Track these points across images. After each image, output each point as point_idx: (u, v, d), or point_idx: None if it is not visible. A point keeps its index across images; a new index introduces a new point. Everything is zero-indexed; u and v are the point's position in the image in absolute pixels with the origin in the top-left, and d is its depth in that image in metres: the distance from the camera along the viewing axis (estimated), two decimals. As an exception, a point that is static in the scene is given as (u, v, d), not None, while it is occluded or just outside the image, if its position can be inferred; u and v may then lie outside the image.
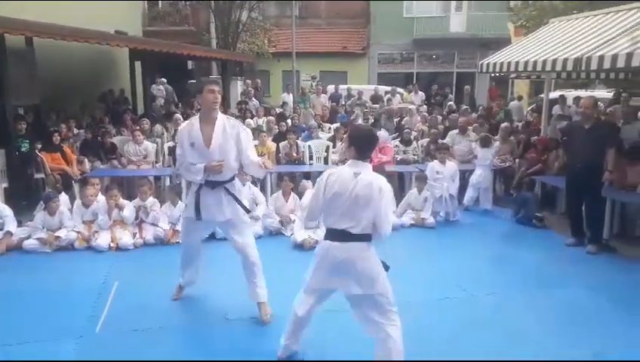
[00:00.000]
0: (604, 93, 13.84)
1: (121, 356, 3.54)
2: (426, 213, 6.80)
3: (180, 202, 6.28)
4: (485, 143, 7.79)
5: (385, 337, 3.11)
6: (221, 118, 3.92)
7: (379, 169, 7.12)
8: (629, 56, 5.43)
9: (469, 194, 7.63)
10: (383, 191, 3.02)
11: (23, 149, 7.10)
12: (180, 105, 13.21)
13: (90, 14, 11.16)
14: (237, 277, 4.70)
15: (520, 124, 10.65)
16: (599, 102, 7.32)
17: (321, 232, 5.81)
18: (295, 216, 6.27)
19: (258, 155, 4.14)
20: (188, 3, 21.67)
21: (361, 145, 3.13)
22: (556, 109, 11.78)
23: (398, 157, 8.70)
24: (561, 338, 3.87)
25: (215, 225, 4.28)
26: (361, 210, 3.01)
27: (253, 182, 6.67)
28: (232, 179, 4.03)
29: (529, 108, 15.03)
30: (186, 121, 4.16)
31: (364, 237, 3.06)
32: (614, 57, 5.67)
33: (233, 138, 3.88)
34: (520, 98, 15.28)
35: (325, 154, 8.79)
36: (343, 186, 3.03)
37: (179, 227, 6.03)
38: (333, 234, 3.11)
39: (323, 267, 3.17)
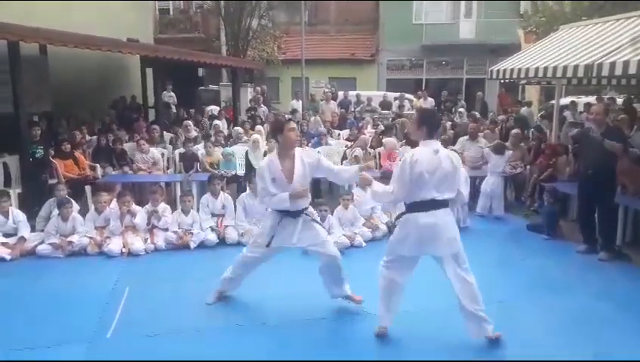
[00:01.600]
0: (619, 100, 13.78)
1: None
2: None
3: (191, 210, 6.31)
4: (499, 150, 7.77)
5: (470, 288, 3.69)
6: (298, 151, 4.17)
7: (387, 175, 7.13)
8: (641, 62, 5.40)
9: (481, 201, 7.60)
10: (458, 160, 3.65)
11: (38, 155, 7.19)
12: (191, 111, 13.29)
13: (102, 22, 11.31)
14: (248, 283, 4.74)
15: (531, 131, 10.59)
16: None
17: (331, 238, 5.86)
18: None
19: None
20: (199, 11, 21.88)
21: (431, 124, 3.62)
22: (567, 115, 11.73)
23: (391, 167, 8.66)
24: (571, 345, 3.84)
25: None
26: (445, 180, 3.54)
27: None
28: (308, 206, 4.25)
29: (539, 115, 14.96)
30: (266, 158, 4.42)
31: (447, 203, 3.61)
32: (625, 64, 5.64)
33: (313, 165, 4.13)
34: (530, 104, 15.23)
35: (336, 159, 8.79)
36: (432, 163, 3.49)
37: (194, 228, 6.19)
38: (422, 205, 3.54)
39: (413, 236, 3.61)
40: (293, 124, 4.19)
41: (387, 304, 3.88)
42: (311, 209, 4.36)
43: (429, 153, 3.53)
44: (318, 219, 4.50)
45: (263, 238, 4.23)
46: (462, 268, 3.71)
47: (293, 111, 13.93)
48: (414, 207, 3.60)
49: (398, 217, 3.81)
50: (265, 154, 7.93)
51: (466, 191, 3.75)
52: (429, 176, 3.49)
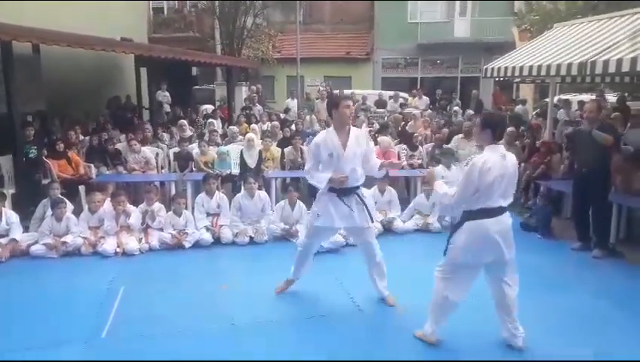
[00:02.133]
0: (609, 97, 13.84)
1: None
2: (432, 217, 6.79)
3: (184, 211, 6.29)
4: None
5: (512, 297, 3.64)
6: (353, 130, 4.24)
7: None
8: (634, 60, 5.43)
9: None
10: (515, 163, 3.53)
11: (31, 155, 7.15)
12: (187, 111, 13.27)
13: (95, 21, 11.26)
14: (243, 282, 4.74)
15: (524, 128, 10.64)
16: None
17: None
18: (300, 226, 6.26)
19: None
20: (193, 10, 21.83)
21: (496, 128, 3.50)
22: (561, 113, 11.76)
23: (404, 162, 8.67)
24: (565, 343, 3.85)
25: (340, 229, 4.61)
26: (511, 187, 3.49)
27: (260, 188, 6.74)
28: (359, 186, 4.28)
29: (534, 113, 15.01)
30: (321, 133, 4.44)
31: (507, 208, 3.51)
32: (619, 62, 5.67)
33: (364, 148, 4.21)
34: (524, 102, 15.27)
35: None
36: (501, 169, 3.39)
37: (189, 228, 6.19)
38: (490, 212, 3.43)
39: (478, 244, 3.47)
40: (349, 101, 4.22)
41: (437, 320, 3.76)
42: (364, 190, 4.37)
43: (499, 159, 3.40)
44: (368, 202, 4.44)
45: (324, 217, 4.28)
46: (508, 277, 3.63)
47: (287, 110, 13.91)
48: (482, 213, 3.44)
49: (457, 225, 3.59)
50: (260, 153, 7.94)
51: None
52: (498, 184, 3.39)
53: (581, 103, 10.75)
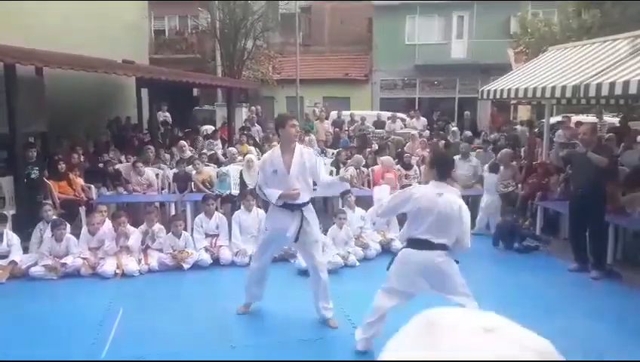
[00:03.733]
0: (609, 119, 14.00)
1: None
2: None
3: (183, 233, 6.33)
4: (493, 169, 7.89)
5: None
6: (299, 147, 4.36)
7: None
8: (626, 84, 5.53)
9: (480, 218, 7.66)
10: (462, 209, 3.53)
11: (33, 176, 7.20)
12: (187, 131, 13.36)
13: (98, 43, 11.41)
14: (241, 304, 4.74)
15: (523, 149, 10.72)
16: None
17: (325, 257, 5.89)
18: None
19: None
20: (194, 32, 22.12)
21: (443, 167, 3.65)
22: (559, 134, 11.85)
23: (400, 184, 8.73)
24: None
25: (286, 244, 4.74)
26: (443, 226, 3.49)
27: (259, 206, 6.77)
28: (308, 203, 4.38)
29: (535, 132, 15.09)
30: (269, 151, 4.65)
31: (443, 247, 3.55)
32: (612, 85, 5.77)
33: (311, 165, 4.30)
34: (522, 123, 15.39)
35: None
36: (429, 203, 3.49)
37: (188, 249, 6.18)
38: (416, 243, 3.57)
39: (405, 271, 3.62)
40: (294, 121, 4.39)
41: (369, 328, 3.88)
42: (310, 208, 4.43)
43: (433, 195, 3.54)
44: (317, 222, 4.56)
45: (271, 228, 4.43)
46: (458, 298, 3.61)
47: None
48: (410, 242, 3.65)
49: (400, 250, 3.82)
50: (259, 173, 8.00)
51: (466, 238, 3.64)
52: (425, 217, 3.51)
53: (578, 124, 10.86)
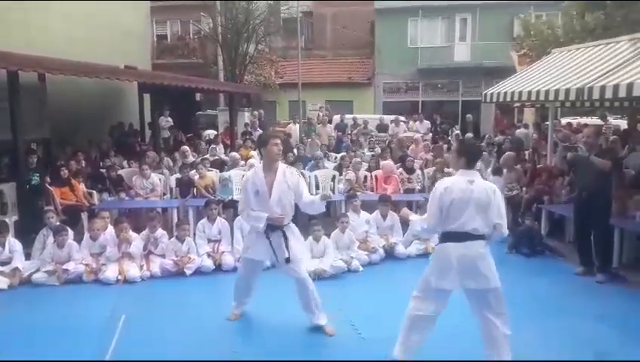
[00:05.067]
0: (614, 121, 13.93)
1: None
2: (433, 242, 6.77)
3: (187, 238, 6.31)
4: (497, 172, 7.83)
5: (497, 336, 3.48)
6: (281, 167, 4.30)
7: (384, 199, 7.15)
8: (630, 86, 5.49)
9: None
10: (496, 193, 3.47)
11: (34, 182, 7.20)
12: (189, 136, 13.38)
13: (99, 48, 11.45)
14: (246, 311, 4.72)
15: (527, 152, 10.68)
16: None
17: (327, 261, 5.86)
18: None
19: None
20: (196, 37, 22.19)
21: (470, 156, 3.57)
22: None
23: (402, 187, 8.69)
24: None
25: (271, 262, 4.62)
26: (481, 214, 3.40)
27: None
28: (289, 223, 4.34)
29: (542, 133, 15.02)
30: (251, 170, 4.59)
31: (482, 237, 3.45)
32: (616, 87, 5.73)
33: (292, 185, 4.24)
34: (527, 126, 15.33)
35: (332, 183, 8.83)
36: (463, 193, 3.41)
37: (191, 254, 6.17)
38: (453, 236, 3.45)
39: (442, 267, 3.51)
40: (277, 140, 4.33)
41: (406, 337, 3.70)
42: (292, 226, 4.40)
43: (464, 183, 3.46)
44: (301, 238, 4.58)
45: (251, 250, 4.41)
46: (493, 312, 3.53)
47: (288, 135, 14.02)
48: (447, 237, 3.52)
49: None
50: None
51: (504, 223, 3.54)
52: (460, 207, 3.41)
53: (584, 126, 10.82)
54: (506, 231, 3.54)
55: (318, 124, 15.11)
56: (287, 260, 4.24)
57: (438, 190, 3.51)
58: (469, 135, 12.53)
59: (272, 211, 4.20)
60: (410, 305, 3.69)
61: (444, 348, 3.95)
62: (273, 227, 4.24)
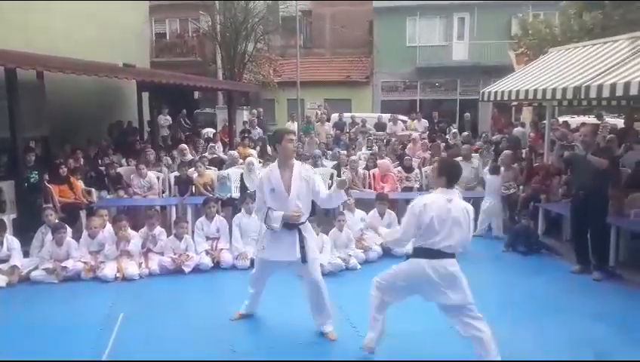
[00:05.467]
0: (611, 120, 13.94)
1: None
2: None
3: (185, 236, 6.32)
4: (494, 171, 7.86)
5: (482, 336, 3.58)
6: (297, 164, 4.22)
7: (382, 197, 7.17)
8: (627, 85, 5.51)
9: (481, 220, 7.64)
10: (469, 213, 3.59)
11: (32, 180, 7.21)
12: (188, 134, 13.39)
13: (98, 46, 11.45)
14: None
15: (524, 151, 10.70)
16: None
17: (325, 257, 5.89)
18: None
19: None
20: (195, 35, 22.17)
21: (452, 175, 3.67)
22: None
23: (401, 186, 8.71)
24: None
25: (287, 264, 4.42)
26: (456, 232, 3.50)
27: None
28: (305, 221, 4.25)
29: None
30: (266, 168, 4.51)
31: (454, 255, 3.57)
32: (613, 86, 5.75)
33: (309, 182, 4.16)
34: (523, 125, 15.36)
35: (330, 182, 8.83)
36: (441, 211, 3.49)
37: (189, 252, 6.18)
38: (428, 253, 3.54)
39: (412, 280, 3.64)
40: (292, 135, 4.28)
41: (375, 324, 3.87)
42: (308, 225, 4.31)
43: (443, 202, 3.53)
44: (315, 238, 4.53)
45: (266, 251, 4.32)
46: (471, 317, 3.62)
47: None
48: (420, 252, 3.60)
49: (410, 256, 3.76)
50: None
51: (469, 244, 3.68)
52: (439, 226, 3.49)
53: (582, 125, 10.83)
54: (469, 246, 3.68)
55: (317, 122, 15.14)
56: (304, 260, 4.16)
57: (417, 205, 3.58)
58: (466, 133, 12.53)
59: (290, 208, 4.10)
60: (373, 292, 3.84)
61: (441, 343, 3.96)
62: (289, 226, 4.16)
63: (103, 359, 3.98)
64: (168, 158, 9.79)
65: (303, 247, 4.14)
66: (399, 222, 6.92)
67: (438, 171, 3.76)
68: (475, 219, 7.53)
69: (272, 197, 4.14)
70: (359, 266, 6.17)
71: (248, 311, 4.69)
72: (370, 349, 3.87)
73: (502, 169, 8.03)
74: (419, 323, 4.40)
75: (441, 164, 3.96)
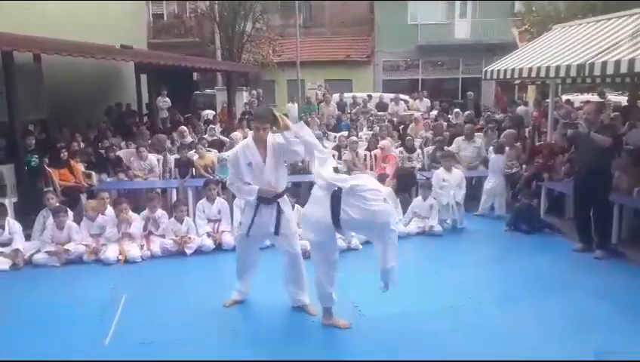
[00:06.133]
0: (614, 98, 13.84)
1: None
2: (432, 220, 6.79)
3: (185, 218, 6.31)
4: (499, 150, 7.80)
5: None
6: (270, 137, 4.19)
7: (383, 178, 7.13)
8: (632, 62, 5.43)
9: (484, 200, 7.62)
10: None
11: (33, 164, 7.18)
12: (188, 116, 13.32)
13: (95, 28, 11.31)
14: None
15: (527, 130, 10.63)
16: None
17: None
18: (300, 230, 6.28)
19: None
20: (193, 15, 21.91)
21: (401, 185, 3.77)
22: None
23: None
24: (567, 344, 3.85)
25: (268, 238, 4.51)
26: None
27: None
28: (283, 194, 4.26)
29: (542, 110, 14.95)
30: (241, 143, 4.49)
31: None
32: (617, 63, 5.67)
33: (282, 151, 4.15)
34: (526, 103, 15.26)
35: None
36: None
37: (191, 234, 6.18)
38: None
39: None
40: (257, 124, 4.19)
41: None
42: (286, 199, 4.34)
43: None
44: (294, 212, 4.56)
45: (246, 226, 4.32)
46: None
47: (286, 115, 13.94)
48: None
49: None
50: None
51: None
52: None
53: (585, 103, 10.75)
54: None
55: (321, 102, 15.02)
56: (282, 233, 4.22)
57: None
58: (469, 112, 12.45)
59: (266, 182, 4.14)
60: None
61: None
62: (267, 200, 4.18)
63: (107, 340, 4.00)
64: (166, 141, 9.73)
65: (279, 221, 4.18)
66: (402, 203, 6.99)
67: (393, 175, 3.91)
68: (478, 199, 7.63)
69: (249, 171, 4.16)
70: (361, 246, 6.16)
71: (239, 298, 4.64)
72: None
73: (507, 148, 7.97)
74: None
75: (398, 170, 4.21)
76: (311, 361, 3.62)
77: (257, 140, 4.18)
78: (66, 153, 7.67)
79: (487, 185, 7.63)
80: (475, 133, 9.14)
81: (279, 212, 4.20)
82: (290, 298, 4.43)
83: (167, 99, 14.24)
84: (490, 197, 7.61)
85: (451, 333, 3.83)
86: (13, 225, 5.93)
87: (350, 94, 16.44)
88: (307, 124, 11.41)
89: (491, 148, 8.12)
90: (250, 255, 4.57)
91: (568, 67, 6.61)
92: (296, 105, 15.33)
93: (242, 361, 3.66)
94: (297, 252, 4.31)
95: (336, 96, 16.19)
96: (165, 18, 23.26)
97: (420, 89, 19.53)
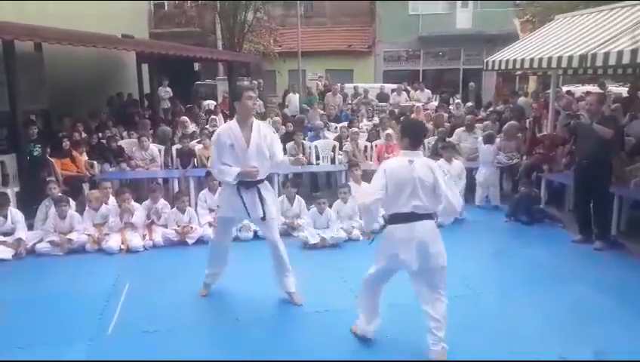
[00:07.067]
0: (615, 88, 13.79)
1: (133, 358, 3.60)
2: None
3: (187, 208, 6.34)
4: (488, 140, 7.80)
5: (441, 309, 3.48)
6: (256, 122, 4.20)
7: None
8: (634, 52, 5.42)
9: (479, 192, 7.64)
10: (436, 171, 3.39)
11: (35, 153, 7.20)
12: (189, 106, 13.30)
13: (96, 17, 11.26)
14: (245, 277, 4.78)
15: (528, 121, 10.62)
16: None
17: (329, 231, 5.94)
18: (302, 220, 6.32)
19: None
20: (194, 5, 21.80)
21: (414, 136, 3.50)
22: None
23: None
24: (566, 336, 3.88)
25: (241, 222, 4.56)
26: (425, 192, 3.35)
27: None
28: (263, 180, 4.26)
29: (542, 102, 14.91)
30: (224, 124, 4.48)
31: (429, 216, 3.41)
32: (619, 54, 5.66)
33: (267, 140, 4.15)
34: (527, 94, 15.22)
35: (332, 154, 8.82)
36: (404, 172, 3.36)
37: (192, 224, 6.20)
38: (400, 218, 3.39)
39: (390, 248, 3.44)
40: (251, 93, 4.19)
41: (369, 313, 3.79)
42: (267, 184, 4.33)
43: (405, 163, 3.39)
44: (275, 198, 4.55)
45: (224, 209, 4.33)
46: (434, 289, 3.49)
47: (287, 105, 13.97)
48: (393, 219, 3.44)
49: (382, 228, 3.57)
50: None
51: (455, 200, 3.45)
52: (404, 187, 3.34)
53: (586, 94, 10.72)
54: (457, 210, 3.52)
55: (327, 93, 14.96)
56: (262, 219, 4.21)
57: (380, 169, 3.47)
58: (470, 104, 12.43)
59: (248, 165, 4.08)
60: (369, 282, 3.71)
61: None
62: (248, 184, 4.15)
63: (110, 329, 4.04)
64: (168, 131, 9.74)
65: (262, 207, 4.17)
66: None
67: (400, 133, 3.64)
68: (473, 191, 7.63)
69: (231, 153, 4.11)
70: (362, 237, 6.19)
71: (211, 282, 4.66)
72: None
73: (497, 139, 7.98)
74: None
75: (404, 125, 3.86)
76: (305, 361, 3.64)
77: (242, 122, 4.13)
78: (68, 143, 7.69)
79: (480, 176, 7.63)
80: (476, 125, 9.14)
81: (261, 197, 4.18)
82: (279, 285, 4.45)
83: (169, 89, 14.21)
84: (484, 188, 7.62)
85: (451, 324, 3.85)
86: (15, 214, 5.96)
87: (351, 85, 16.38)
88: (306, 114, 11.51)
89: (480, 138, 8.12)
90: (224, 241, 4.57)
91: (570, 58, 6.60)
92: (297, 95, 15.28)
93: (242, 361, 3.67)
94: (276, 238, 4.30)
95: (337, 87, 16.13)
96: (166, 8, 23.14)
97: (420, 80, 19.46)
